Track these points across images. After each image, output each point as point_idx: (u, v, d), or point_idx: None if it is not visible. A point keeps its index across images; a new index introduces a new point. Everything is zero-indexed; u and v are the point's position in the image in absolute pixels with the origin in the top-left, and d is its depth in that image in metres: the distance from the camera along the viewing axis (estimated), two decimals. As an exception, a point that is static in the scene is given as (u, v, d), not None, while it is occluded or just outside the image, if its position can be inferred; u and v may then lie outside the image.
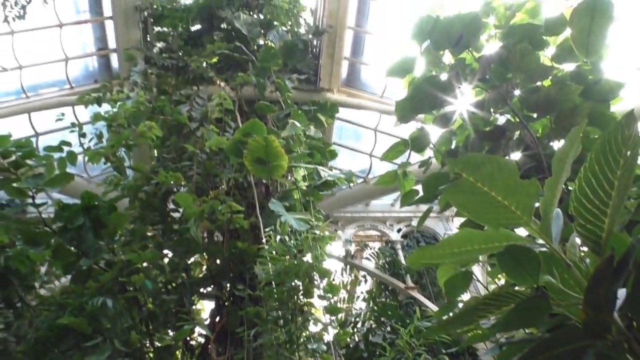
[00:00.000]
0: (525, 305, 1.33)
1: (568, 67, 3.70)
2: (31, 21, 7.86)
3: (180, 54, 9.16)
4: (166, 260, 6.04)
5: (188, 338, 5.65)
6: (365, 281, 11.70)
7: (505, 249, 1.41)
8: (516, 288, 1.64)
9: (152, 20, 9.81)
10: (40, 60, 9.75)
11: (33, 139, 9.59)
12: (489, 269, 3.04)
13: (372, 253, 11.49)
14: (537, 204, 1.42)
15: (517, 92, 3.82)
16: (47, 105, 9.62)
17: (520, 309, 1.33)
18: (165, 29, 9.99)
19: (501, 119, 4.22)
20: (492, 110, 4.10)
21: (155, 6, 9.66)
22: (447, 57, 4.25)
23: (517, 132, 3.92)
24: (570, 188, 2.95)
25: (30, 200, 5.19)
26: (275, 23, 10.18)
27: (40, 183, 5.10)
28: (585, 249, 1.49)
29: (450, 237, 1.48)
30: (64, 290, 4.82)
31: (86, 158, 6.54)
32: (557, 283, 1.43)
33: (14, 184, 5.03)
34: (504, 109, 4.06)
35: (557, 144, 3.73)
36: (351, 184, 10.93)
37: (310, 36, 10.28)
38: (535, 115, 3.81)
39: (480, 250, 1.46)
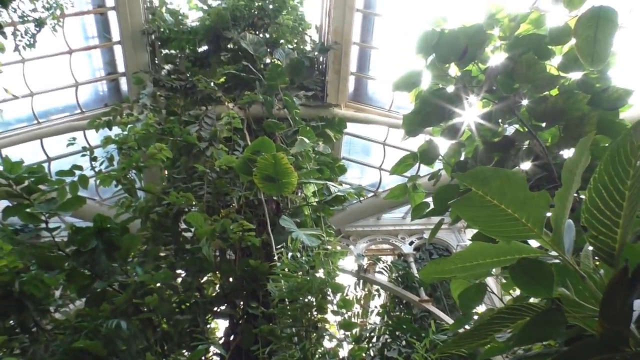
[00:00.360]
0: (540, 319, 1.32)
1: (575, 75, 3.70)
2: (41, 48, 7.98)
3: (188, 75, 9.27)
4: (179, 280, 6.06)
5: (203, 358, 5.63)
6: (379, 295, 11.64)
7: (518, 262, 1.40)
8: (531, 300, 1.63)
9: (159, 43, 9.95)
10: (51, 87, 9.91)
11: (45, 164, 9.71)
12: (503, 280, 3.01)
13: (385, 267, 11.43)
14: (548, 214, 1.42)
15: (524, 102, 3.82)
16: (58, 130, 9.74)
17: (535, 322, 1.32)
18: (172, 51, 10.12)
19: (509, 130, 4.22)
20: (500, 121, 4.11)
21: (162, 29, 9.80)
22: (453, 70, 4.27)
23: (526, 142, 3.91)
24: (582, 196, 2.93)
25: (43, 225, 5.24)
26: (281, 41, 10.28)
27: (53, 208, 5.15)
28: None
29: (462, 251, 1.48)
30: (79, 314, 4.82)
31: (97, 181, 6.60)
32: (572, 295, 1.42)
33: (27, 210, 5.08)
34: (512, 120, 4.06)
35: (566, 153, 3.72)
36: (361, 199, 10.94)
37: (316, 53, 10.37)
38: (543, 125, 3.81)
39: (492, 264, 1.45)
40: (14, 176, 4.88)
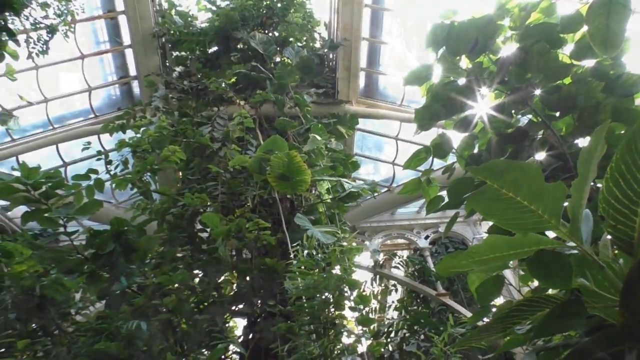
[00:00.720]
0: (560, 310, 1.31)
1: (588, 63, 3.66)
2: (54, 55, 8.07)
3: (199, 76, 9.31)
4: (197, 280, 6.10)
5: (223, 357, 5.67)
6: (396, 290, 11.61)
7: (535, 255, 1.39)
8: (549, 292, 1.62)
9: (169, 45, 10.00)
10: (65, 92, 10.02)
11: (61, 169, 9.82)
12: (521, 272, 2.99)
13: (401, 261, 11.41)
14: (565, 204, 1.41)
15: (537, 92, 3.79)
16: (73, 135, 9.85)
17: (555, 314, 1.31)
18: (183, 53, 10.17)
19: (523, 121, 4.19)
20: (513, 112, 4.07)
21: (172, 32, 9.84)
22: (464, 63, 4.24)
23: (540, 133, 3.88)
24: (599, 185, 2.90)
25: (62, 229, 5.31)
26: (291, 39, 10.28)
27: (71, 212, 5.21)
28: (617, 248, 1.47)
29: (478, 245, 1.47)
30: (99, 316, 4.89)
31: (113, 185, 6.66)
32: (592, 285, 1.41)
33: (46, 214, 5.15)
34: (525, 110, 4.02)
35: (581, 142, 3.68)
36: (375, 194, 10.91)
37: (325, 50, 10.35)
38: (557, 115, 3.77)
39: (509, 257, 1.44)
40: (31, 182, 4.94)
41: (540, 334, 1.40)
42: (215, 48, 10.23)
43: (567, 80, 3.69)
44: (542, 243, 1.36)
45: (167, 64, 10.01)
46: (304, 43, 10.55)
